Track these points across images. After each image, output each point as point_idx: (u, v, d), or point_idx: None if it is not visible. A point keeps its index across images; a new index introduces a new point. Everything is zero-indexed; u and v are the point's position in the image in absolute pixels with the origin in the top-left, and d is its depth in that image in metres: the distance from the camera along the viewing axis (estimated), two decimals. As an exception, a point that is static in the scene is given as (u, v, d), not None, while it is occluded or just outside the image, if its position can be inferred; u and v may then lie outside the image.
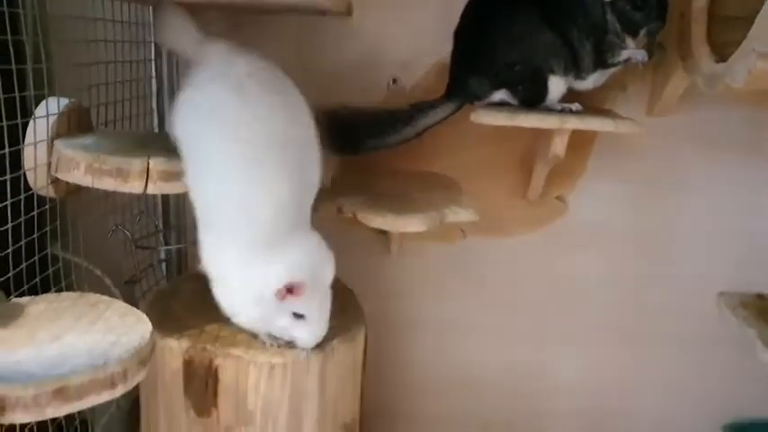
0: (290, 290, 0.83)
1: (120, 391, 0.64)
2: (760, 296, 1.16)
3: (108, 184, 0.75)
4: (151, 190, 0.77)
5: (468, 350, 1.24)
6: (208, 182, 0.84)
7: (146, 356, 0.67)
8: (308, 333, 0.87)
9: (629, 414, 1.25)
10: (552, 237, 1.18)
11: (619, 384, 1.24)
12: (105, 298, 0.77)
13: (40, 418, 0.60)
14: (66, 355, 0.64)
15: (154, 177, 0.77)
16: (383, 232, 1.16)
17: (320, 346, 0.90)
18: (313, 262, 0.86)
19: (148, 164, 0.77)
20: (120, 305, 0.75)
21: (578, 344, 1.23)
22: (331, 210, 0.97)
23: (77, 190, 0.88)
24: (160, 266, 1.21)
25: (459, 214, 0.98)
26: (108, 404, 1.02)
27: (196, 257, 1.21)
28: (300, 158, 0.87)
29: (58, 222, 0.86)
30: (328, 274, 0.88)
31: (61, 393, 0.60)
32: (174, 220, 1.21)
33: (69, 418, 0.90)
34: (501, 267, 1.20)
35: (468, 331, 1.23)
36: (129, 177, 0.76)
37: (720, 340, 1.20)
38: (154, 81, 1.12)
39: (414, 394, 1.26)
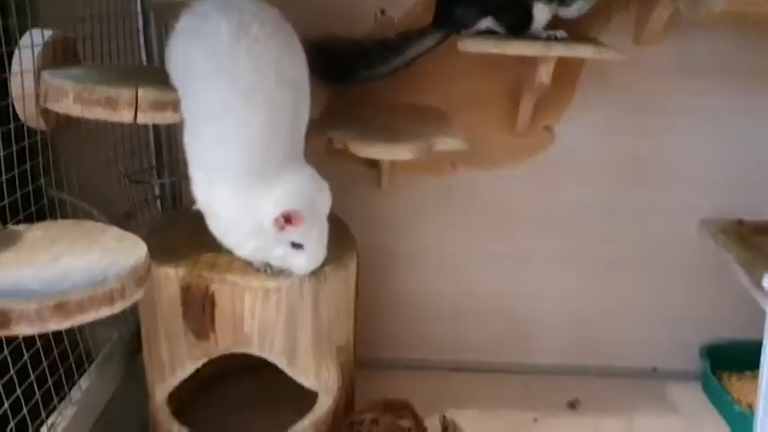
0: (288, 219, 0.86)
1: (119, 307, 0.67)
2: (739, 222, 1.20)
3: (97, 113, 0.76)
4: (141, 119, 0.79)
5: (457, 279, 1.27)
6: (203, 116, 0.85)
7: (143, 276, 0.70)
8: (307, 260, 0.90)
9: (611, 338, 1.30)
10: (540, 167, 1.19)
11: (602, 309, 1.28)
12: (100, 224, 0.79)
13: (43, 331, 0.63)
14: (65, 274, 0.66)
15: (143, 107, 0.78)
16: (374, 166, 1.18)
17: (313, 272, 0.94)
18: (309, 191, 0.89)
19: (137, 93, 0.78)
20: (116, 230, 0.78)
21: (564, 271, 1.26)
22: (321, 142, 0.98)
23: (68, 123, 0.89)
24: (155, 202, 1.23)
25: (448, 143, 0.99)
26: (109, 334, 1.06)
27: (190, 192, 1.24)
28: (294, 95, 0.88)
29: (49, 154, 0.88)
30: (324, 203, 0.90)
31: (62, 308, 0.63)
32: (166, 156, 1.22)
33: (72, 346, 0.94)
34: (490, 198, 1.22)
35: (457, 261, 1.26)
36: (118, 106, 0.77)
37: (701, 266, 1.23)
38: (140, 17, 1.12)
39: (405, 322, 1.30)
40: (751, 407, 1.16)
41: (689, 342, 1.28)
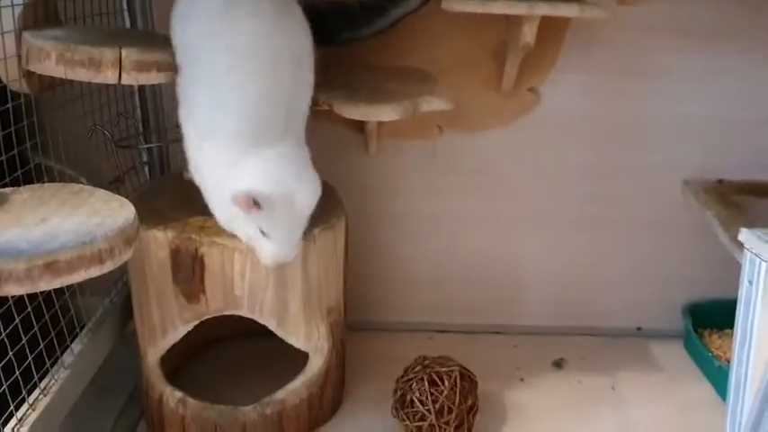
0: (255, 202, 0.80)
1: (108, 267, 0.68)
2: (720, 181, 1.21)
3: (80, 74, 0.76)
4: (125, 80, 0.78)
5: (444, 241, 1.28)
6: (197, 76, 0.85)
7: (131, 236, 0.70)
8: (271, 251, 0.84)
9: (597, 299, 1.32)
10: (525, 129, 1.20)
11: (587, 270, 1.30)
12: (88, 187, 0.79)
13: (33, 291, 0.63)
14: (53, 235, 0.66)
15: (127, 67, 0.78)
16: (361, 130, 1.18)
17: (303, 234, 0.94)
18: (290, 179, 0.83)
19: (121, 53, 0.77)
20: (103, 192, 0.78)
21: (549, 232, 1.28)
22: (306, 102, 0.98)
23: (51, 86, 0.88)
24: (143, 169, 1.23)
25: (433, 104, 0.99)
26: (101, 302, 1.07)
27: (178, 158, 1.24)
28: (292, 69, 0.86)
29: (34, 117, 0.87)
30: (307, 197, 0.84)
31: (52, 267, 0.63)
32: (153, 122, 1.22)
33: (64, 310, 0.94)
34: (476, 161, 1.23)
35: (444, 223, 1.27)
36: (102, 67, 0.76)
37: (685, 227, 1.25)
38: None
39: (393, 285, 1.32)
40: (729, 362, 1.19)
41: (673, 301, 1.30)
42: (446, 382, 0.97)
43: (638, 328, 1.34)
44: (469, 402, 0.99)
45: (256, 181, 0.81)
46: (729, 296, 1.26)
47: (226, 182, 0.84)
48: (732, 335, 1.27)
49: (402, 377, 1.03)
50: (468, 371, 1.03)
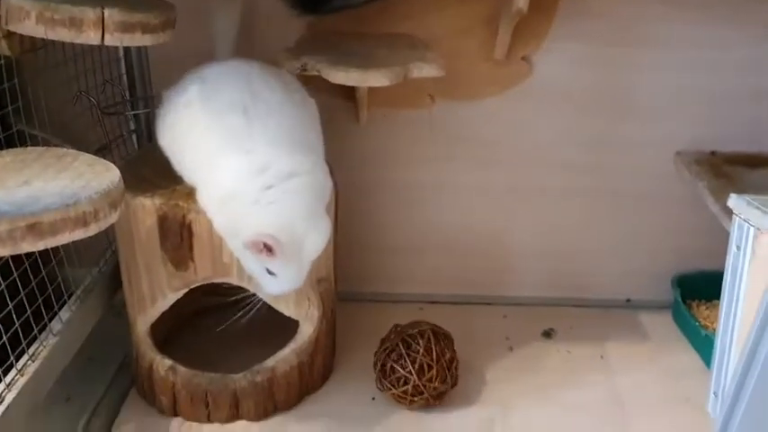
0: (266, 246, 0.80)
1: (93, 230, 0.67)
2: (713, 153, 1.21)
3: (62, 34, 0.74)
4: (109, 41, 0.76)
5: (435, 212, 1.28)
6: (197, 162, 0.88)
7: (116, 199, 0.70)
8: (278, 287, 0.85)
9: (586, 269, 1.32)
10: (517, 98, 1.19)
11: (577, 241, 1.30)
12: (72, 151, 0.78)
13: (16, 252, 0.62)
14: (36, 197, 0.66)
15: (110, 28, 0.76)
16: (351, 99, 1.17)
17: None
18: (301, 224, 0.82)
19: (103, 13, 0.75)
20: (88, 156, 0.77)
21: (541, 203, 1.27)
22: (295, 67, 0.97)
23: (33, 47, 0.87)
24: (130, 137, 1.21)
25: (424, 70, 0.98)
26: (89, 268, 1.06)
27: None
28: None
29: (15, 81, 0.85)
30: (317, 242, 0.83)
31: (35, 229, 0.62)
32: (140, 89, 1.20)
33: (51, 279, 0.94)
34: (468, 131, 1.22)
35: (435, 194, 1.27)
36: (84, 26, 0.74)
37: (677, 199, 1.25)
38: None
39: (383, 256, 1.31)
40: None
41: (662, 273, 1.31)
42: (420, 341, 0.98)
43: (628, 300, 1.35)
44: (447, 356, 1.00)
45: (268, 225, 0.80)
46: (718, 268, 1.28)
47: (235, 222, 0.84)
48: (719, 305, 1.29)
49: (379, 348, 1.03)
50: (441, 328, 1.04)
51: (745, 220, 0.68)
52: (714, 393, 0.72)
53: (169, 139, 0.92)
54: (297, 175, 0.83)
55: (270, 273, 0.84)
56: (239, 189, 0.82)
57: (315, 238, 0.83)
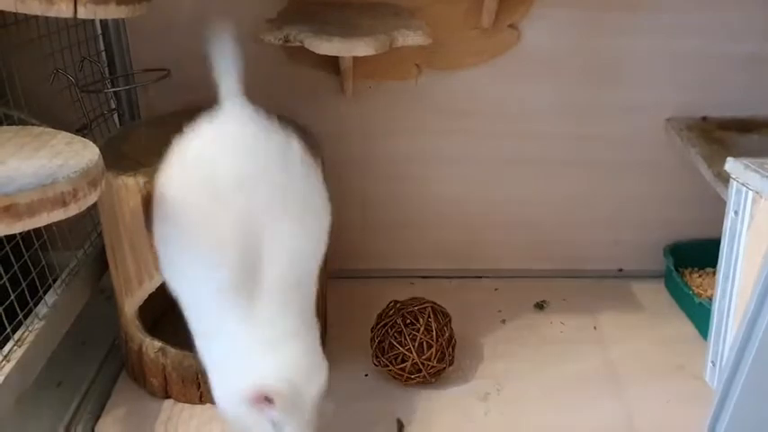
0: (267, 398, 0.74)
1: (72, 210, 0.64)
2: (704, 119, 1.20)
3: (32, 7, 0.70)
4: (82, 14, 0.73)
5: (425, 187, 1.26)
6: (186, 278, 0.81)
7: (96, 178, 0.67)
8: None
9: (577, 241, 1.32)
10: (506, 67, 1.17)
11: (568, 211, 1.29)
12: (49, 129, 0.75)
13: (-7, 235, 0.60)
14: (12, 177, 0.63)
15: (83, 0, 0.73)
16: (336, 71, 1.14)
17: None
18: (303, 372, 0.77)
19: (75, -16, 0.72)
20: (66, 135, 0.74)
21: (531, 174, 1.26)
22: (277, 38, 0.94)
23: (4, 23, 0.83)
24: (112, 117, 1.18)
25: (410, 38, 0.96)
26: (74, 251, 1.04)
27: (147, 104, 1.20)
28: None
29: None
30: (317, 386, 0.78)
31: (11, 210, 0.60)
32: (120, 66, 1.16)
33: (34, 263, 0.92)
34: (455, 101, 1.20)
35: (423, 167, 1.25)
36: (55, -1, 0.71)
37: (668, 167, 1.24)
38: None
39: (372, 232, 1.30)
40: (710, 299, 1.20)
41: (654, 242, 1.30)
42: (420, 320, 0.98)
43: (620, 270, 1.34)
44: (446, 335, 1.00)
45: (268, 375, 0.75)
46: (710, 236, 1.28)
47: (229, 381, 0.78)
48: (713, 274, 1.29)
49: (377, 324, 1.02)
50: (440, 306, 1.03)
51: (743, 185, 0.66)
52: (712, 362, 0.71)
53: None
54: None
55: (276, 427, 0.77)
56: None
57: (318, 380, 0.78)
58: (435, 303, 1.02)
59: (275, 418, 0.76)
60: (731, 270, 0.70)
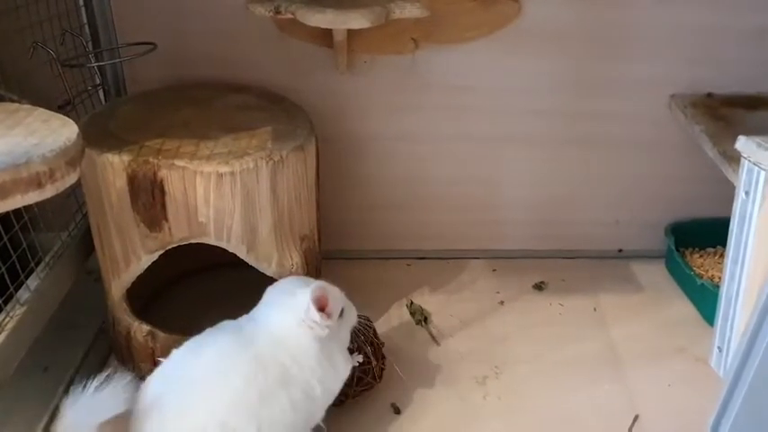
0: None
1: (49, 191, 0.61)
2: (709, 95, 1.16)
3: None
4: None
5: (420, 165, 1.23)
6: None
7: (75, 157, 0.64)
8: None
9: (576, 220, 1.29)
10: (506, 41, 1.12)
11: (567, 191, 1.26)
12: (26, 106, 0.72)
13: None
14: (-17, 157, 0.59)
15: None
16: (329, 44, 1.10)
17: (270, 155, 0.88)
18: None
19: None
20: (43, 111, 0.70)
21: (529, 152, 1.22)
22: (268, 9, 0.90)
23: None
24: (97, 93, 1.14)
25: (406, 10, 0.92)
26: (57, 233, 1.00)
27: (133, 79, 1.16)
28: None
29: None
30: None
31: (-18, 192, 0.57)
32: (104, 40, 1.12)
33: (15, 245, 0.88)
34: (453, 77, 1.16)
35: (419, 145, 1.21)
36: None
37: (669, 145, 1.21)
38: None
39: (368, 212, 1.27)
40: (712, 280, 1.18)
41: (654, 222, 1.28)
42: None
43: (620, 250, 1.32)
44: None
45: None
46: (712, 215, 1.26)
47: None
48: (714, 254, 1.27)
49: None
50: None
51: (755, 164, 0.63)
52: (718, 348, 0.69)
53: None
54: None
55: None
56: None
57: None
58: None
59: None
60: (740, 253, 0.67)
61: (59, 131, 0.65)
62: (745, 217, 0.66)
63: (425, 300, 1.18)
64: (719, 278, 1.18)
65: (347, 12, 0.87)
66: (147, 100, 1.05)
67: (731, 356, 0.67)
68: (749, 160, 0.65)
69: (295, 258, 0.97)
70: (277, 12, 0.88)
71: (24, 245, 0.89)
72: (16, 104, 0.71)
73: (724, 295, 0.71)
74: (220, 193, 0.87)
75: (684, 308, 1.18)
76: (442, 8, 1.07)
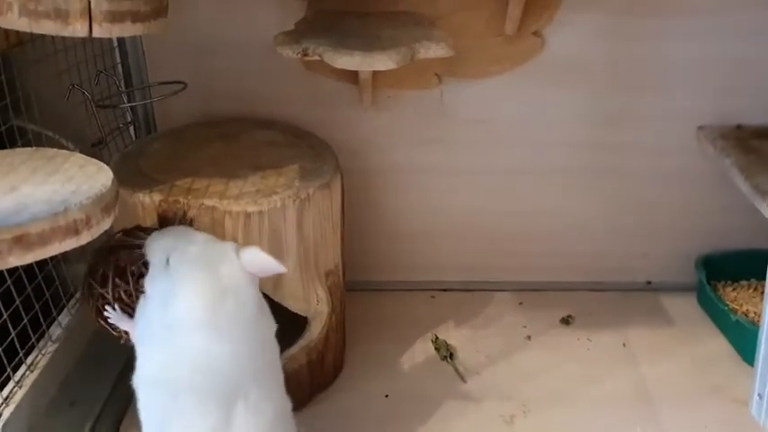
0: None
1: (85, 238, 0.62)
2: (739, 127, 1.15)
3: (47, 27, 0.69)
4: (98, 33, 0.71)
5: (446, 197, 1.23)
6: None
7: (110, 203, 0.65)
8: None
9: (606, 252, 1.27)
10: (530, 75, 1.13)
11: (594, 223, 1.25)
12: (63, 151, 0.73)
13: (4, 267, 0.58)
14: (24, 204, 0.61)
15: (98, 18, 0.70)
16: (355, 81, 1.11)
17: (297, 193, 0.89)
18: None
19: (90, 3, 0.70)
20: (80, 157, 0.72)
21: (557, 184, 1.22)
22: (296, 51, 0.91)
23: (20, 41, 0.81)
24: (128, 130, 1.17)
25: (432, 50, 0.92)
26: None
27: (163, 115, 1.18)
28: None
29: (2, 78, 0.80)
30: None
31: (22, 241, 0.58)
32: (136, 79, 1.15)
33: (48, 281, 0.90)
34: (477, 111, 1.16)
35: (445, 178, 1.21)
36: (70, 18, 0.69)
37: (699, 176, 1.20)
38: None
39: (393, 244, 1.27)
40: (747, 315, 1.15)
41: (684, 254, 1.26)
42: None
43: (648, 282, 1.30)
44: None
45: None
46: (744, 247, 1.24)
47: None
48: (748, 287, 1.24)
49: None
50: None
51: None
52: (759, 395, 0.67)
53: None
54: None
55: None
56: None
57: None
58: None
59: None
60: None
61: (95, 177, 0.67)
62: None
63: (450, 334, 1.17)
64: (754, 313, 1.16)
65: (374, 54, 0.88)
66: (175, 137, 1.07)
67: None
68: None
69: (320, 294, 0.97)
70: (305, 54, 0.89)
71: (57, 281, 0.91)
72: (54, 150, 0.73)
73: (764, 337, 0.69)
74: (248, 232, 0.88)
75: (718, 344, 1.15)
76: (466, 44, 1.08)
